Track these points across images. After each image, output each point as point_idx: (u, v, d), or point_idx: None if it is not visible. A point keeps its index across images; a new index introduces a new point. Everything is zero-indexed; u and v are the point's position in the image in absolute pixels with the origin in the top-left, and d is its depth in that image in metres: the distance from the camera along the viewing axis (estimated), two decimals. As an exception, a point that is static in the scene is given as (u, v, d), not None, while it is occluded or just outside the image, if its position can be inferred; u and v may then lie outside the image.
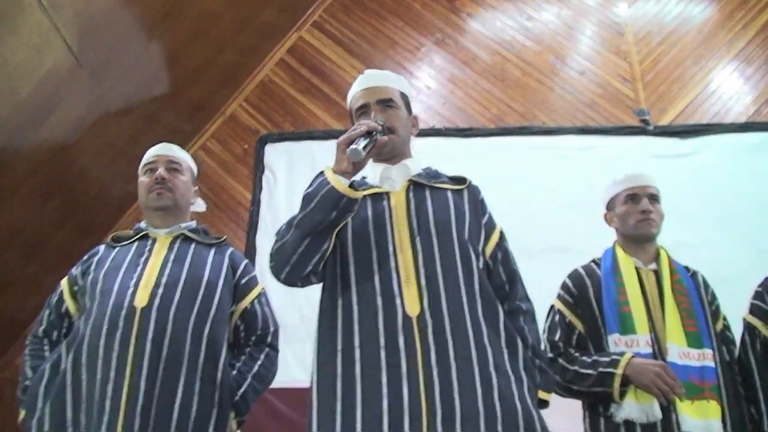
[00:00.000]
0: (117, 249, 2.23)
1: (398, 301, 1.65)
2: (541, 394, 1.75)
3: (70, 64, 3.99)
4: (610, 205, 2.46)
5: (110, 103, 4.48)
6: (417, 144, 4.93)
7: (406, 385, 1.56)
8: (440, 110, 5.21)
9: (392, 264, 1.71)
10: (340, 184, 1.63)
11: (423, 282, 1.68)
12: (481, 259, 1.83)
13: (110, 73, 4.35)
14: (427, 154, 4.91)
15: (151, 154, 2.39)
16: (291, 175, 5.00)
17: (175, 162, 2.38)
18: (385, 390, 1.57)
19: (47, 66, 3.86)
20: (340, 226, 1.73)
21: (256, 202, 4.94)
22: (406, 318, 1.63)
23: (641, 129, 5.00)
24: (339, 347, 1.66)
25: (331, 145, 5.01)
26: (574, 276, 2.38)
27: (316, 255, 1.71)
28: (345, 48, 5.49)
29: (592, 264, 2.39)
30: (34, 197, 4.33)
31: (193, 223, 2.35)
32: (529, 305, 1.88)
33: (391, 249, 1.74)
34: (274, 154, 5.11)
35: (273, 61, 5.49)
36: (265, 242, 4.77)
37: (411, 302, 1.65)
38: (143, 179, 2.33)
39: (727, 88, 5.14)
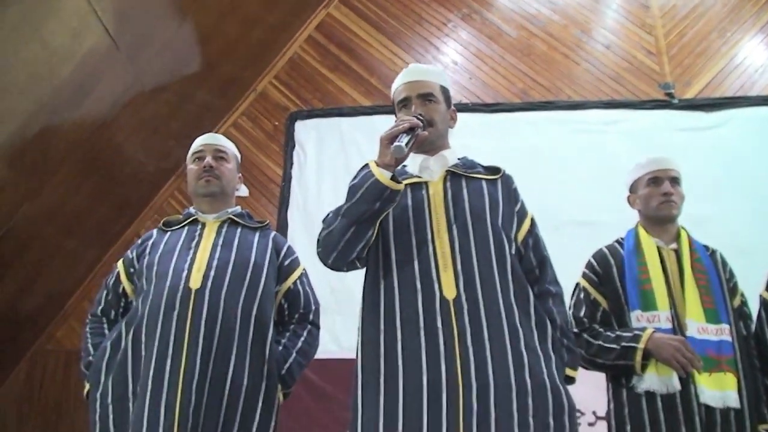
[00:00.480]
0: (169, 234, 2.38)
1: (436, 285, 1.78)
2: (568, 371, 1.88)
3: (107, 46, 4.12)
4: (633, 188, 2.55)
5: (145, 82, 4.61)
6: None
7: (444, 361, 1.70)
8: (467, 85, 5.29)
9: (430, 250, 1.84)
10: (384, 177, 1.75)
11: (459, 267, 1.81)
12: (514, 245, 1.95)
13: (145, 53, 4.48)
14: (455, 131, 5.06)
15: (198, 143, 2.51)
16: (320, 151, 5.12)
17: (221, 151, 2.50)
18: (425, 366, 1.71)
19: (85, 48, 3.99)
20: (385, 214, 1.85)
21: (287, 178, 5.08)
22: (444, 300, 1.77)
23: (666, 103, 5.05)
24: (382, 327, 1.80)
25: (359, 121, 5.15)
26: (599, 255, 2.48)
27: (362, 242, 1.84)
28: (372, 24, 5.57)
29: (616, 244, 2.49)
30: (73, 175, 4.50)
31: (238, 208, 2.49)
32: (558, 288, 2.00)
33: (429, 236, 1.86)
34: (304, 130, 5.23)
35: (302, 38, 5.60)
36: (296, 217, 4.91)
37: (448, 286, 1.78)
38: (192, 167, 2.46)
39: (753, 61, 5.16)
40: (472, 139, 5.04)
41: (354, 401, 1.79)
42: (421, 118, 1.88)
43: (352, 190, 1.80)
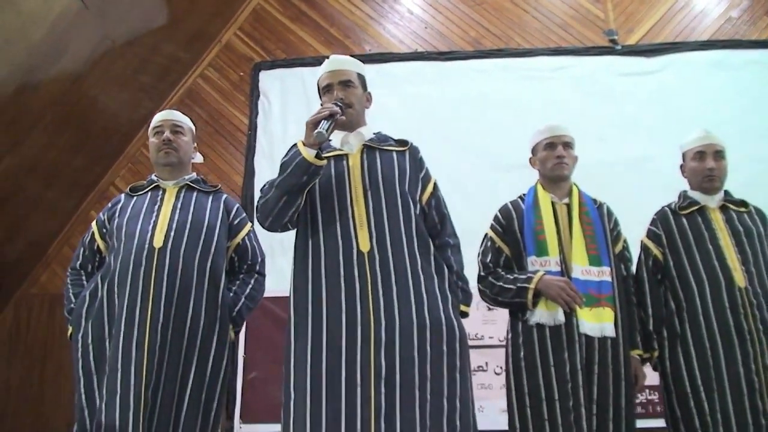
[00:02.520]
0: (135, 198, 2.77)
1: (354, 241, 2.20)
2: (462, 308, 2.37)
3: (77, 7, 4.37)
4: (534, 151, 2.91)
5: (115, 38, 4.86)
6: (400, 69, 5.34)
7: (359, 303, 2.13)
8: (422, 34, 5.57)
9: (349, 212, 2.25)
10: (309, 155, 2.14)
11: (373, 226, 2.23)
12: (419, 206, 2.38)
13: (114, 10, 4.71)
14: (410, 79, 5.35)
15: (158, 119, 2.85)
16: (285, 100, 5.41)
17: (178, 125, 2.84)
18: (344, 307, 2.14)
19: (56, 11, 4.24)
20: (311, 185, 2.24)
21: (252, 127, 5.38)
22: (360, 253, 2.18)
23: (610, 49, 5.39)
24: (310, 276, 2.22)
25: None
26: (504, 209, 2.85)
27: (292, 209, 2.24)
28: (331, -25, 5.78)
29: (519, 199, 2.86)
30: (50, 130, 4.80)
31: (194, 175, 2.87)
32: (455, 240, 2.46)
33: (349, 200, 2.27)
34: (268, 80, 5.51)
35: (264, -12, 5.81)
36: (262, 164, 5.23)
37: (363, 241, 2.20)
38: (153, 140, 2.81)
39: (693, 7, 5.48)
40: (427, 86, 5.40)
41: (288, 336, 2.23)
42: (341, 103, 2.27)
43: (283, 166, 2.20)
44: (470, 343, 4.32)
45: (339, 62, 2.48)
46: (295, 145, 2.20)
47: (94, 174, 5.44)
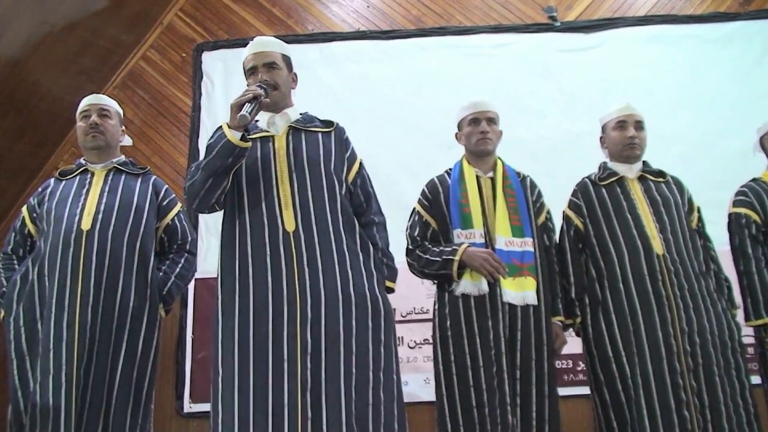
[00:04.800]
0: (64, 182, 2.80)
1: (279, 221, 2.26)
2: (388, 284, 2.45)
3: (14, -9, 4.32)
4: (459, 126, 2.97)
5: (54, 22, 4.80)
6: (343, 48, 5.37)
7: (285, 281, 2.19)
8: (364, 13, 5.58)
9: (275, 193, 2.30)
10: (234, 137, 2.18)
11: (298, 206, 2.29)
12: (345, 185, 2.44)
13: (53, -6, 4.67)
14: (353, 58, 5.38)
15: (85, 103, 2.88)
16: (227, 81, 5.38)
17: (105, 109, 2.88)
18: (270, 285, 2.19)
19: (-9, -4, 4.19)
20: (237, 167, 2.27)
21: (196, 108, 5.35)
22: (285, 233, 2.24)
23: (549, 26, 5.44)
24: (237, 255, 2.27)
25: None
26: (431, 184, 2.92)
27: (218, 190, 2.28)
28: (272, -46, 5.76)
29: (446, 174, 2.93)
30: (-11, 116, 4.76)
31: (122, 158, 2.91)
32: (381, 218, 2.54)
33: (274, 181, 2.32)
34: (211, 61, 5.49)
35: (205, -31, 5.77)
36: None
37: (289, 221, 2.26)
38: (80, 124, 2.84)
39: (630, -18, 5.55)
40: (370, 65, 5.44)
41: (215, 314, 2.27)
42: (265, 85, 2.30)
43: (209, 148, 2.24)
44: (416, 317, 4.51)
45: (263, 44, 2.49)
46: (220, 127, 2.23)
47: (38, 158, 5.38)
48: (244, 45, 5.21)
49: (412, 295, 4.41)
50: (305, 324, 2.12)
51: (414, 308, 4.60)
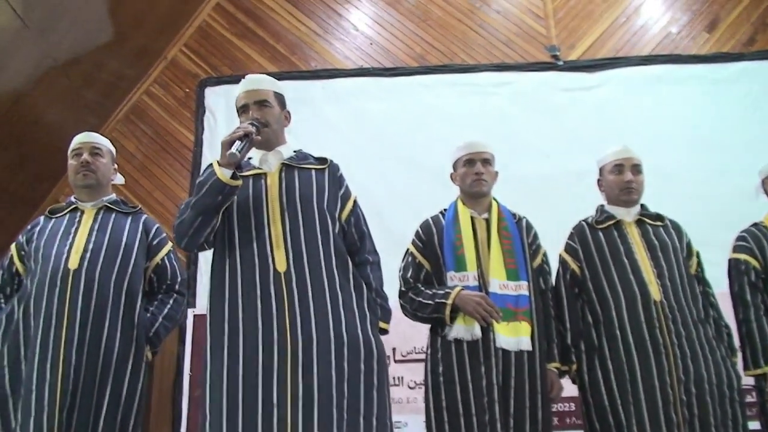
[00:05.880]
0: (53, 220, 2.78)
1: (270, 261, 2.21)
2: (382, 325, 2.39)
3: (17, 26, 4.34)
4: (455, 167, 2.94)
5: (57, 56, 4.84)
6: (345, 85, 5.38)
7: (276, 323, 2.14)
8: (367, 50, 5.62)
9: (266, 232, 2.26)
10: (224, 175, 2.15)
11: (290, 245, 2.24)
12: (338, 223, 2.40)
13: (56, 28, 4.69)
14: (355, 95, 5.39)
15: (77, 141, 2.86)
16: (230, 116, 5.26)
17: (97, 147, 2.86)
18: (260, 327, 2.14)
19: (-6, 29, 4.22)
20: (227, 205, 2.24)
21: (198, 143, 5.37)
22: (276, 273, 2.20)
23: (552, 65, 5.46)
24: (226, 296, 2.22)
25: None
26: (424, 225, 2.89)
27: (207, 229, 2.24)
28: (278, -9, 5.82)
29: (440, 214, 2.89)
30: (-9, 147, 4.76)
31: (113, 196, 2.89)
32: (375, 257, 2.49)
33: (266, 220, 2.28)
34: (214, 96, 5.51)
35: (210, 6, 5.81)
36: (208, 180, 5.21)
37: (280, 261, 2.21)
38: (71, 162, 2.83)
39: (633, 23, 5.58)
40: (372, 102, 5.45)
41: (204, 357, 2.22)
42: (257, 123, 2.28)
43: (198, 186, 2.21)
44: (417, 356, 4.45)
45: (255, 82, 2.47)
46: (211, 164, 2.20)
47: (39, 191, 5.39)
48: (248, 81, 5.43)
49: (415, 334, 4.35)
50: (296, 368, 2.07)
51: (415, 348, 4.55)
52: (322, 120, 5.33)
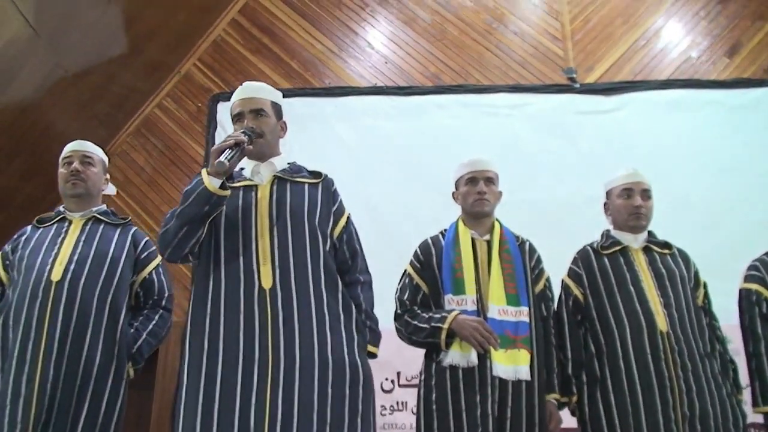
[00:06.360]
0: (40, 230, 2.71)
1: (256, 277, 2.10)
2: (370, 348, 2.27)
3: (28, 35, 4.33)
4: (457, 185, 2.85)
5: (68, 67, 4.82)
6: (359, 103, 5.33)
7: (258, 342, 2.03)
8: (382, 69, 5.56)
9: (254, 247, 2.15)
10: (212, 185, 2.06)
11: (277, 261, 2.13)
12: (329, 240, 2.29)
13: (67, 38, 4.67)
14: (369, 113, 5.33)
15: (67, 149, 2.81)
16: (241, 131, 5.36)
17: (88, 156, 2.80)
18: (241, 346, 2.03)
19: (5, 38, 4.20)
20: (214, 215, 2.15)
21: (208, 158, 5.28)
22: (261, 290, 2.09)
23: (568, 87, 5.36)
24: (208, 312, 2.11)
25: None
26: (423, 245, 2.79)
27: (192, 240, 2.14)
28: (293, 8, 5.78)
29: (440, 235, 2.79)
30: (0, 155, 4.73)
31: (103, 207, 2.81)
32: (366, 277, 2.38)
33: (254, 234, 2.18)
34: (226, 111, 5.28)
35: (225, 21, 5.79)
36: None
37: (266, 277, 2.10)
38: (61, 170, 2.77)
39: (653, 46, 5.48)
40: (386, 121, 5.38)
41: (180, 375, 2.12)
42: (251, 132, 2.20)
43: (185, 194, 2.11)
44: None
45: (251, 90, 2.38)
46: (199, 173, 2.11)
47: (47, 201, 5.32)
48: (261, 96, 5.39)
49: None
50: (276, 391, 1.96)
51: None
52: (334, 138, 5.28)
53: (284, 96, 5.32)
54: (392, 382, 4.37)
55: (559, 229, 4.41)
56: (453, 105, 5.39)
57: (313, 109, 5.37)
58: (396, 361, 4.19)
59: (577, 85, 5.36)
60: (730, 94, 5.19)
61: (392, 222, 4.83)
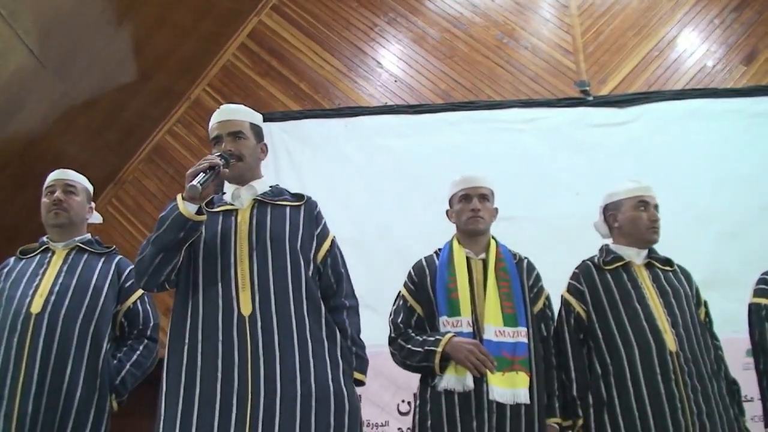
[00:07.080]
0: (23, 261, 2.67)
1: (235, 303, 2.03)
2: (357, 376, 2.18)
3: (33, 66, 4.33)
4: (450, 203, 2.77)
5: (76, 96, 4.82)
6: (369, 122, 5.27)
7: (236, 371, 1.95)
8: (392, 88, 5.51)
9: (232, 272, 2.08)
10: (186, 210, 1.99)
11: (256, 287, 2.06)
12: (312, 264, 2.21)
13: (74, 68, 4.68)
14: (380, 132, 5.27)
15: (50, 178, 2.79)
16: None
17: (70, 185, 2.77)
18: (219, 377, 1.95)
19: (10, 69, 4.21)
20: (190, 241, 2.08)
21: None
22: (240, 317, 2.01)
23: (581, 100, 5.26)
24: (186, 340, 2.04)
25: (289, 125, 5.41)
26: (417, 266, 2.70)
27: (168, 267, 2.07)
28: (302, 31, 5.76)
29: (434, 255, 2.71)
30: (9, 188, 4.74)
31: (87, 236, 2.77)
32: (352, 301, 2.28)
33: (233, 260, 2.10)
34: (237, 136, 5.42)
35: (234, 45, 5.78)
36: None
37: (245, 303, 2.03)
38: (44, 200, 2.75)
39: (666, 57, 5.37)
40: (397, 139, 5.31)
41: (159, 403, 2.04)
42: (228, 155, 2.14)
43: (161, 220, 2.04)
44: None
45: (229, 112, 2.32)
46: (175, 198, 2.04)
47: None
48: (271, 119, 5.34)
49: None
50: (255, 422, 1.88)
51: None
52: (345, 158, 5.23)
53: (294, 118, 5.39)
54: (408, 404, 4.27)
55: (576, 246, 4.24)
56: (464, 122, 5.31)
57: (323, 129, 5.33)
58: (413, 383, 4.08)
59: (591, 98, 5.26)
60: (748, 102, 5.06)
61: (405, 242, 4.73)
